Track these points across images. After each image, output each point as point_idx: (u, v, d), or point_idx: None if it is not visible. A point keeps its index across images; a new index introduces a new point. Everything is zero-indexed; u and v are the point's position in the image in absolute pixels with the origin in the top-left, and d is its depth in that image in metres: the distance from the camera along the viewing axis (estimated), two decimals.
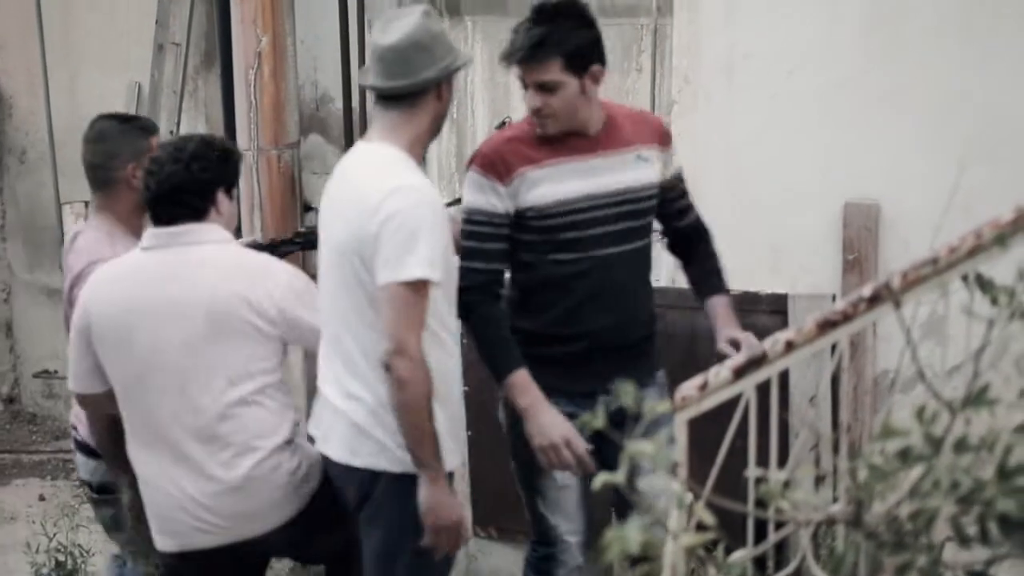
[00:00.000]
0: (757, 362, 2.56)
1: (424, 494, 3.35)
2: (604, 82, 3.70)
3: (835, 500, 2.49)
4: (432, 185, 3.61)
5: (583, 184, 3.67)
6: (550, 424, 3.53)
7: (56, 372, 7.22)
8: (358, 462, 3.49)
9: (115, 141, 4.04)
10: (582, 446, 3.52)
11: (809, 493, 1.92)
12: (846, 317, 2.50)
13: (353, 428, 3.47)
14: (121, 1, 6.62)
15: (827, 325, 2.52)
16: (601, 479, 1.90)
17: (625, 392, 1.83)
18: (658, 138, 3.83)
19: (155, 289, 3.54)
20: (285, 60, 5.90)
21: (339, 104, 6.08)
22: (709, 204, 4.09)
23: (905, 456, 1.78)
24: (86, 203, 6.83)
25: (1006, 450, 1.83)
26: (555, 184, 3.65)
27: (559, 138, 3.66)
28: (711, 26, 4.69)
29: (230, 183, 3.68)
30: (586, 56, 3.58)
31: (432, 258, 3.28)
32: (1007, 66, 4.21)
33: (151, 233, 3.61)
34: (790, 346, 2.55)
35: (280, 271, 3.67)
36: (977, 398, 1.89)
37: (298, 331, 3.59)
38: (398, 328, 3.25)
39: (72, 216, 6.85)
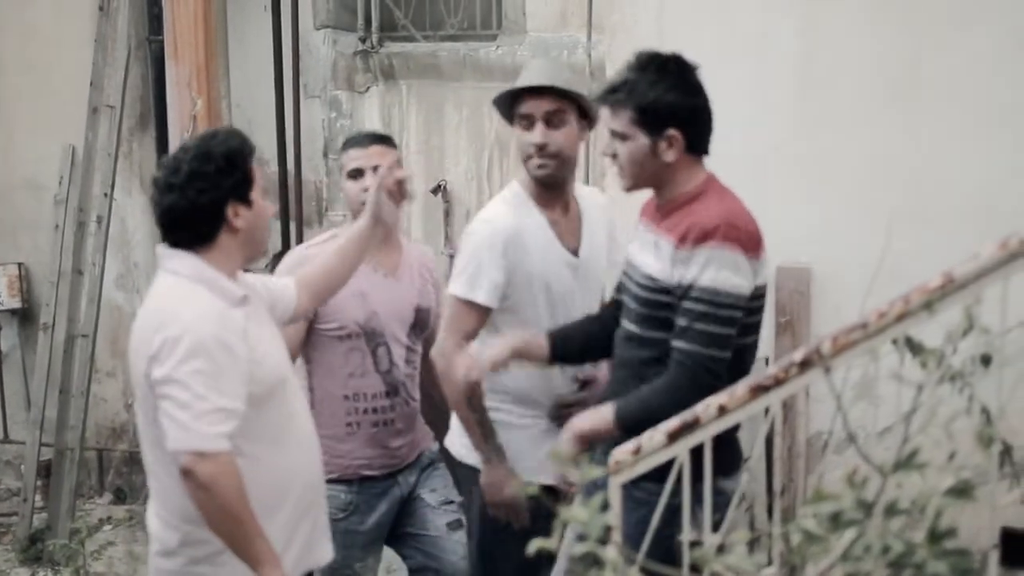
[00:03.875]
0: (690, 426, 2.57)
1: None
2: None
3: (769, 563, 2.49)
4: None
5: None
6: None
7: None
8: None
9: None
10: None
11: (743, 557, 1.92)
12: (778, 382, 2.52)
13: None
14: (55, 63, 6.59)
15: (759, 389, 2.54)
16: (536, 544, 1.90)
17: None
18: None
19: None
20: (220, 122, 5.89)
21: (274, 167, 6.07)
22: None
23: (837, 520, 1.79)
24: (19, 264, 6.80)
25: (937, 513, 1.84)
26: None
27: None
28: None
29: (241, 193, 3.16)
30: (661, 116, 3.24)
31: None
32: (934, 132, 4.28)
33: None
34: (723, 410, 2.57)
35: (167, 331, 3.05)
36: (907, 462, 1.91)
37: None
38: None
39: (5, 278, 6.79)
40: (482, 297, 3.63)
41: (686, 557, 2.45)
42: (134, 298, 6.61)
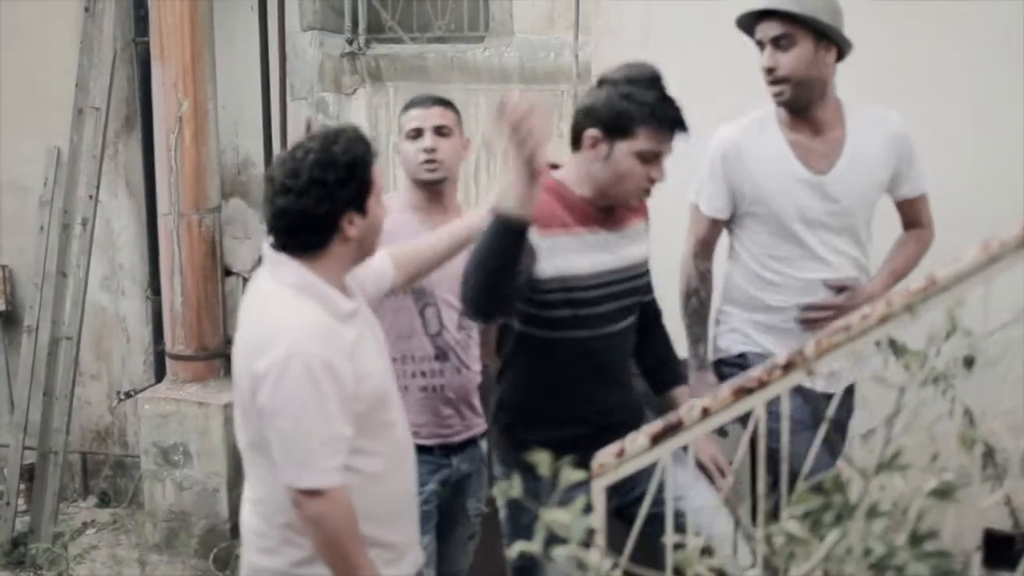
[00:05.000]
0: (674, 429, 2.57)
1: None
2: None
3: (753, 566, 2.48)
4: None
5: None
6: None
7: None
8: None
9: None
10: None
11: (728, 560, 1.92)
12: (761, 384, 2.51)
13: None
14: (40, 65, 6.57)
15: (742, 392, 2.53)
16: (518, 547, 1.89)
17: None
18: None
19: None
20: (206, 124, 5.88)
21: (261, 169, 6.06)
22: None
23: (819, 522, 1.78)
24: (2, 266, 6.77)
25: (919, 515, 1.84)
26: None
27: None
28: None
29: (358, 203, 3.02)
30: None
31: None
32: (919, 137, 4.28)
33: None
34: (706, 412, 2.56)
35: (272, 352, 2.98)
36: (889, 463, 1.90)
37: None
38: None
39: None
40: (704, 206, 3.87)
41: (669, 560, 2.44)
42: (119, 301, 6.60)
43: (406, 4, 5.97)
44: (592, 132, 3.38)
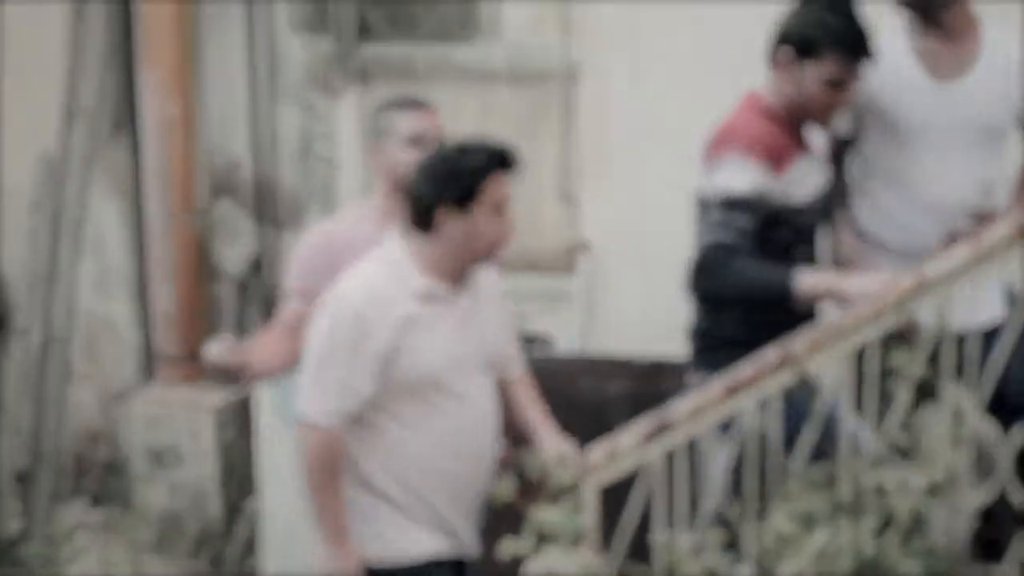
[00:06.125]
0: (665, 427, 2.58)
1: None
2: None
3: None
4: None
5: None
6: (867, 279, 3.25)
7: None
8: None
9: None
10: None
11: (720, 558, 1.93)
12: (752, 381, 2.53)
13: None
14: (30, 68, 6.55)
15: (734, 389, 2.55)
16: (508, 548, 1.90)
17: None
18: None
19: None
20: (194, 126, 5.88)
21: (249, 170, 6.05)
22: (618, 269, 4.12)
23: (808, 520, 1.80)
24: None
25: (912, 514, 1.86)
26: None
27: None
28: (620, 93, 4.74)
29: (459, 201, 3.29)
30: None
31: None
32: None
33: None
34: (697, 411, 2.57)
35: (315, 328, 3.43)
36: (882, 461, 1.92)
37: None
38: None
39: None
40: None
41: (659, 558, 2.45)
42: (109, 303, 6.58)
43: (395, 5, 5.96)
44: (784, 50, 3.44)
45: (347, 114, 5.95)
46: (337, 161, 5.86)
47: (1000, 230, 2.47)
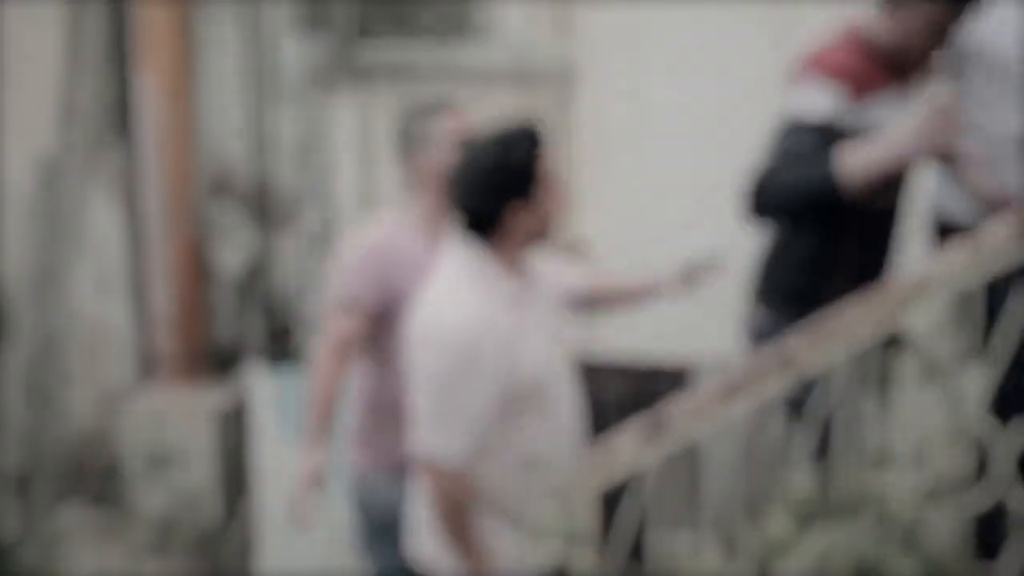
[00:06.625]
0: (662, 427, 2.57)
1: None
2: None
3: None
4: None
5: None
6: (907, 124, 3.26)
7: None
8: None
9: None
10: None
11: (719, 559, 1.92)
12: (750, 383, 2.52)
13: None
14: (27, 72, 6.55)
15: (731, 391, 2.54)
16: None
17: None
18: None
19: None
20: (192, 128, 5.88)
21: (245, 171, 6.05)
22: (617, 269, 4.11)
23: (805, 521, 1.79)
24: None
25: (910, 514, 1.85)
26: None
27: None
28: (618, 93, 4.73)
29: (524, 194, 3.17)
30: None
31: None
32: None
33: None
34: (697, 411, 2.56)
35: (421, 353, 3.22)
36: (880, 461, 1.91)
37: None
38: None
39: None
40: None
41: (656, 560, 2.44)
42: (106, 305, 6.57)
43: (393, 5, 5.96)
44: None
45: (345, 115, 5.95)
46: (335, 162, 5.85)
47: (1000, 230, 2.45)
